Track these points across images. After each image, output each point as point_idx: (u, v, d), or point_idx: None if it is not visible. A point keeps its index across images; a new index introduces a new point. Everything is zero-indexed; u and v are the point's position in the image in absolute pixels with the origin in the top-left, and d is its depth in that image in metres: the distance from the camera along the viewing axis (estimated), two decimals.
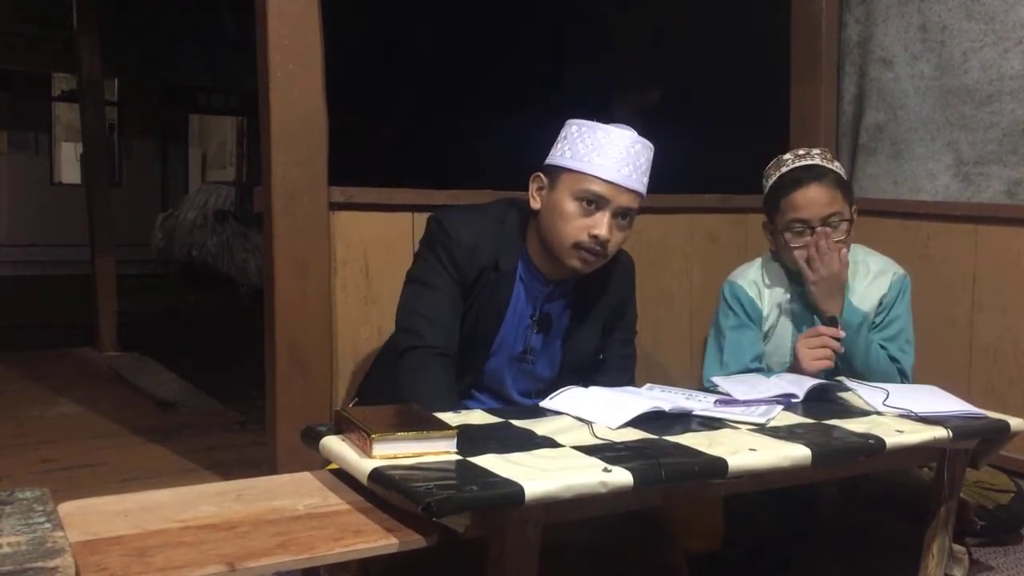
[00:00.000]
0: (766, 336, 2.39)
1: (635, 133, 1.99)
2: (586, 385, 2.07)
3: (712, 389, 2.12)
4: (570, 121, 2.01)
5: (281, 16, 2.37)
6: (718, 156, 4.63)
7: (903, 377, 2.34)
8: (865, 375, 2.26)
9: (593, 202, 1.94)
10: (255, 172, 10.48)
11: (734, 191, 3.38)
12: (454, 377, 1.98)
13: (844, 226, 2.28)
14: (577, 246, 1.96)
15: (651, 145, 2.01)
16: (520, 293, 2.05)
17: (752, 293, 2.39)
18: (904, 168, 3.33)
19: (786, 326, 2.38)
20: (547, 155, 2.05)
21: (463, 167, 4.66)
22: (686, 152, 4.87)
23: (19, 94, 10.46)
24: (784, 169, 2.36)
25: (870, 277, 2.40)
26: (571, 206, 1.94)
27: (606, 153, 1.93)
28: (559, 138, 2.01)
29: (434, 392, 1.90)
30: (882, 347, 2.34)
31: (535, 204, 2.01)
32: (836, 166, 2.36)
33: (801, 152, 2.38)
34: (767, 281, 2.41)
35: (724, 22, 4.84)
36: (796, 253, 2.29)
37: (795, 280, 2.38)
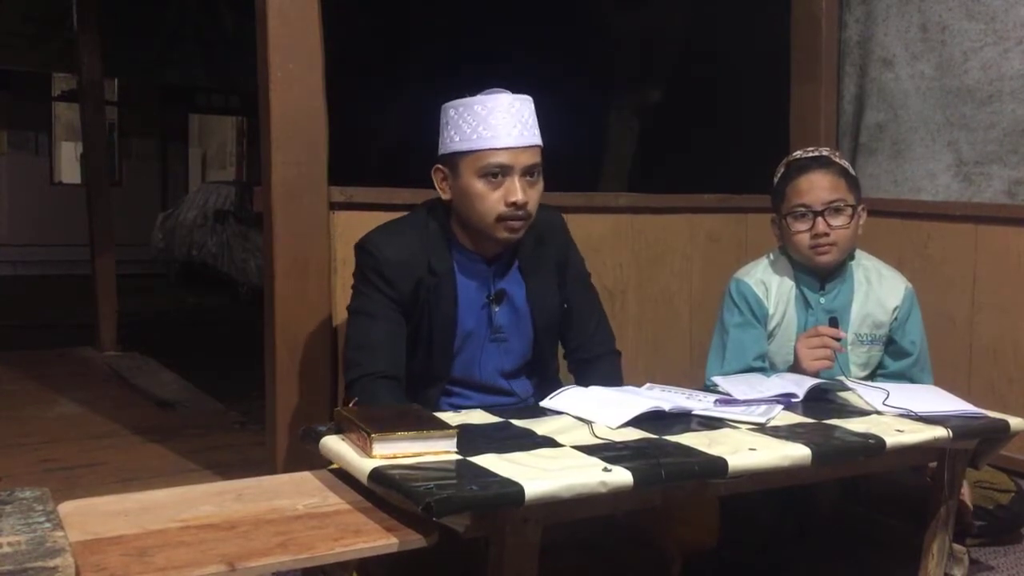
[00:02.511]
0: (771, 334, 2.39)
1: (508, 93, 1.98)
2: (575, 346, 2.14)
3: (712, 389, 2.12)
4: (446, 105, 1.99)
5: (281, 16, 2.37)
6: (718, 156, 4.63)
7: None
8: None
9: (497, 173, 1.95)
10: (255, 172, 10.48)
11: (734, 191, 3.39)
12: (402, 394, 1.98)
13: (848, 212, 2.29)
14: (500, 218, 1.97)
15: (529, 97, 2.00)
16: (466, 284, 2.05)
17: (759, 292, 2.38)
18: (904, 168, 3.33)
19: (792, 324, 2.38)
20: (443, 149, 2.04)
21: None
22: (686, 152, 4.89)
23: (19, 94, 10.46)
24: (790, 159, 2.41)
25: (884, 282, 2.40)
26: (479, 185, 1.95)
27: (490, 123, 1.93)
28: (442, 126, 2.00)
29: None
30: (909, 379, 2.36)
31: (445, 196, 2.02)
32: (844, 162, 2.39)
33: (810, 149, 2.43)
34: (774, 279, 2.40)
35: (724, 22, 4.84)
36: (797, 238, 2.31)
37: (802, 277, 2.38)
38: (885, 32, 3.39)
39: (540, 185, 2.01)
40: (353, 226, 2.54)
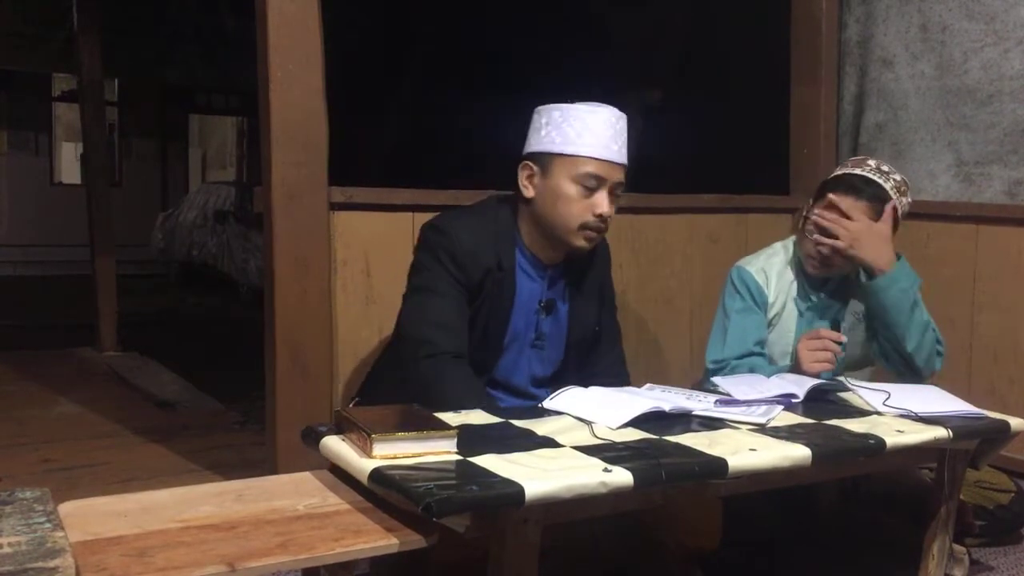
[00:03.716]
0: (770, 324, 2.40)
1: (614, 109, 2.00)
2: (587, 362, 2.14)
3: (712, 389, 2.12)
4: (547, 107, 2.01)
5: (281, 16, 2.37)
6: (718, 156, 4.63)
7: (939, 358, 2.35)
8: (905, 340, 2.24)
9: (591, 182, 1.97)
10: (255, 172, 10.48)
11: (734, 191, 3.38)
12: (475, 378, 1.98)
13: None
14: (583, 226, 1.99)
15: (625, 116, 2.03)
16: (524, 285, 2.07)
17: (760, 280, 2.40)
18: (904, 168, 3.33)
19: (791, 316, 2.39)
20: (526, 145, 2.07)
21: (463, 166, 4.67)
22: (686, 152, 4.89)
23: (19, 94, 10.46)
24: (857, 170, 2.33)
25: None
26: (572, 189, 1.97)
27: (595, 133, 1.96)
28: (540, 124, 2.01)
29: (463, 391, 1.91)
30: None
31: (528, 192, 2.02)
32: (899, 200, 2.29)
33: (885, 168, 2.33)
34: (775, 270, 2.42)
35: (724, 22, 4.84)
36: (805, 241, 2.33)
37: (804, 272, 2.39)
38: (885, 32, 3.39)
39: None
40: (353, 226, 2.55)
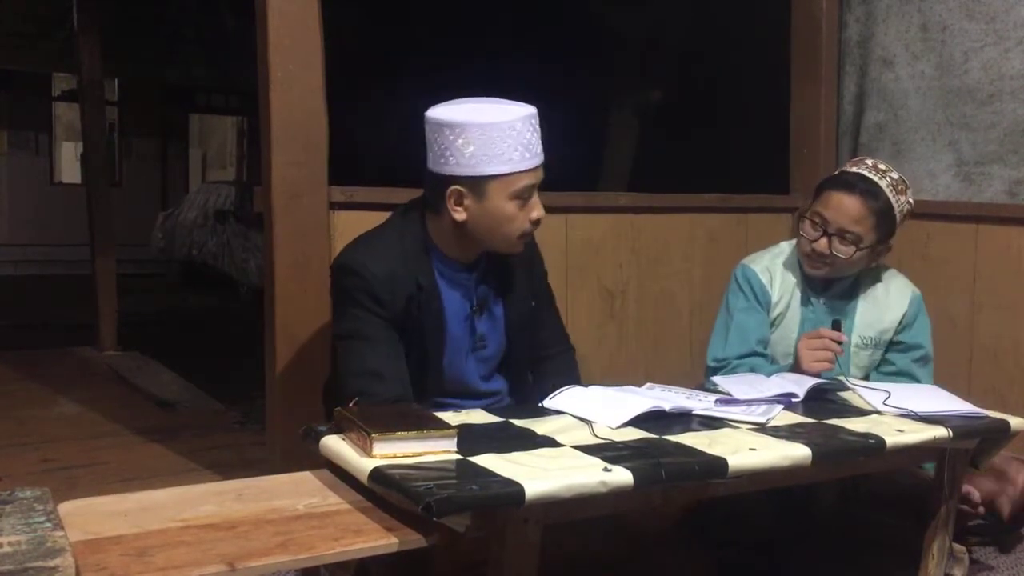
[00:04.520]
0: (773, 323, 2.40)
1: (526, 107, 1.91)
2: (534, 342, 2.11)
3: (713, 388, 2.12)
4: (459, 121, 1.85)
5: (281, 16, 2.37)
6: (718, 156, 4.63)
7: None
8: None
9: (528, 192, 1.92)
10: (255, 172, 10.48)
11: (735, 191, 3.38)
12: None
13: (853, 248, 2.26)
14: (523, 234, 1.96)
15: (535, 108, 1.93)
16: (450, 295, 2.01)
17: (764, 279, 2.40)
18: (905, 168, 3.32)
19: (794, 318, 2.39)
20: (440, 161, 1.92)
21: None
22: (686, 152, 4.89)
23: (19, 94, 10.47)
24: (852, 168, 2.35)
25: (891, 290, 2.42)
26: (511, 207, 1.90)
27: (520, 142, 1.86)
28: (457, 144, 1.86)
29: None
30: (909, 374, 2.38)
31: (460, 216, 1.91)
32: (897, 200, 2.30)
33: (882, 167, 2.35)
34: (779, 270, 2.42)
35: (724, 22, 4.84)
36: (800, 240, 2.35)
37: (807, 281, 2.39)
38: (885, 32, 3.39)
39: None
40: (353, 226, 2.54)
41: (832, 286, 2.39)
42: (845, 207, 2.26)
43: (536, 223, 1.95)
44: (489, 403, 2.06)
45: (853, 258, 2.28)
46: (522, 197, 1.91)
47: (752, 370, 2.28)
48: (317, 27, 2.42)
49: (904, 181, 2.34)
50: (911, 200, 2.35)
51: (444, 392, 2.05)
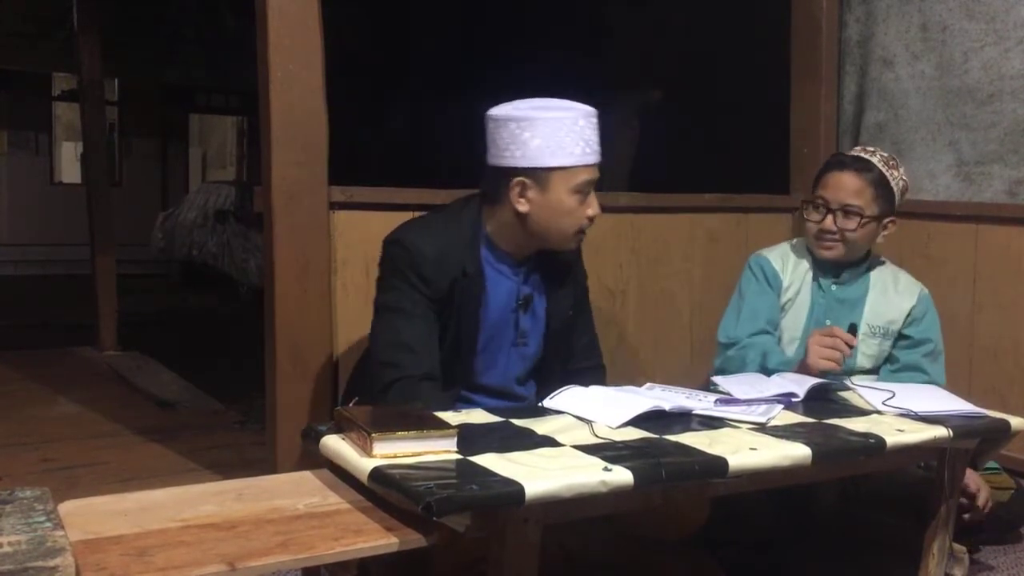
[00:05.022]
0: (784, 308, 2.47)
1: (587, 107, 1.98)
2: (566, 351, 2.14)
3: (713, 388, 2.12)
4: (524, 115, 1.93)
5: (281, 16, 2.37)
6: (718, 155, 4.63)
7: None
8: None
9: (588, 188, 1.98)
10: (255, 172, 10.48)
11: (735, 190, 3.39)
12: (445, 397, 1.96)
13: (857, 220, 2.34)
14: (579, 231, 2.02)
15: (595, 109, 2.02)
16: (496, 287, 2.05)
17: (776, 265, 2.48)
18: (905, 168, 3.33)
19: (804, 305, 2.45)
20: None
21: (463, 166, 4.66)
22: (686, 151, 4.89)
23: (19, 94, 10.46)
24: (836, 153, 2.52)
25: (900, 285, 2.48)
26: (572, 200, 1.97)
27: (582, 138, 1.94)
28: (523, 138, 1.92)
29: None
30: (918, 368, 2.43)
31: (523, 208, 1.97)
32: (890, 172, 2.38)
33: (871, 148, 2.47)
34: (791, 259, 2.50)
35: (724, 22, 4.84)
36: (807, 226, 2.43)
37: (818, 264, 2.46)
38: (885, 32, 3.39)
39: None
40: (353, 226, 2.55)
41: (842, 273, 2.44)
42: (843, 183, 2.36)
43: (591, 220, 2.01)
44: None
45: (859, 231, 2.35)
46: (582, 192, 1.97)
47: (763, 349, 2.32)
48: (317, 27, 2.42)
49: (894, 158, 2.44)
50: (905, 177, 2.43)
51: (476, 387, 2.08)
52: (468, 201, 2.10)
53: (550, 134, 1.92)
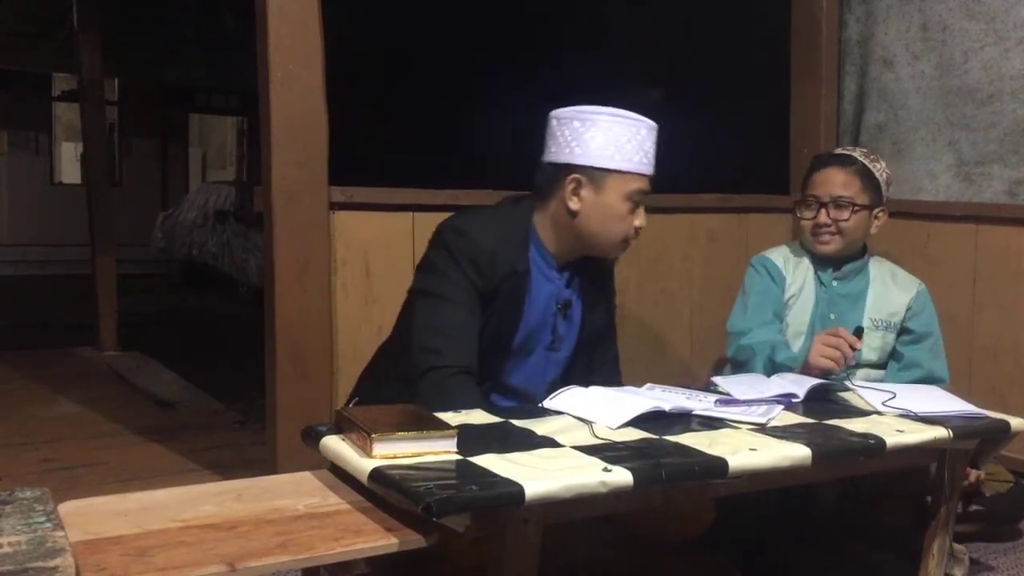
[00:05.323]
0: (788, 304, 2.50)
1: (651, 121, 2.01)
2: (591, 361, 2.13)
3: (713, 389, 2.12)
4: (588, 113, 1.94)
5: (281, 16, 2.37)
6: (718, 155, 4.63)
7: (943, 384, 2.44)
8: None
9: (639, 197, 1.99)
10: (255, 172, 10.48)
11: (734, 190, 3.38)
12: (478, 395, 1.95)
13: (849, 210, 2.40)
14: (625, 240, 2.03)
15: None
16: (539, 288, 2.05)
17: (779, 263, 2.52)
18: (905, 168, 3.33)
19: (808, 301, 2.48)
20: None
21: (463, 166, 4.66)
22: (686, 151, 4.88)
23: (19, 94, 10.47)
24: (818, 155, 2.59)
25: (899, 281, 2.52)
26: (623, 207, 1.97)
27: (642, 147, 1.96)
28: (586, 136, 1.93)
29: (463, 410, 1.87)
30: (923, 366, 2.46)
31: (575, 206, 1.97)
32: (872, 164, 2.47)
33: (848, 149, 2.58)
34: (792, 258, 2.54)
35: (724, 22, 4.84)
36: (802, 224, 2.49)
37: (818, 261, 2.50)
38: (885, 32, 3.39)
39: None
40: (353, 226, 2.55)
41: (842, 267, 2.48)
42: (829, 177, 2.44)
43: (638, 231, 2.01)
44: None
45: (852, 220, 2.41)
46: (633, 200, 1.98)
47: (771, 342, 2.34)
48: (317, 27, 2.42)
49: (875, 154, 2.55)
50: (887, 170, 2.51)
51: (502, 387, 2.07)
52: (518, 200, 2.10)
53: (612, 137, 1.93)
